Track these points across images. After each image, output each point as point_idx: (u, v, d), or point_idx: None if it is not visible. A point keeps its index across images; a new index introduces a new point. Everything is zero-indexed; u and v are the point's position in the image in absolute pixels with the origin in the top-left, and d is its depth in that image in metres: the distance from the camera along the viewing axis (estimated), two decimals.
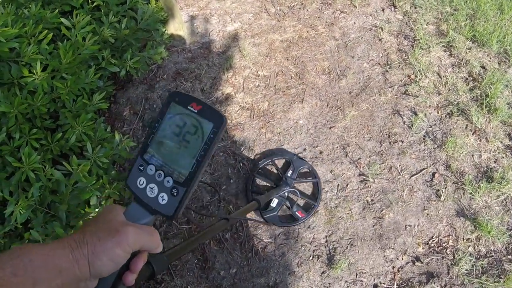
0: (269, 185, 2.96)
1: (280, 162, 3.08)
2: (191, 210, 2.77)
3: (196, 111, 0.83)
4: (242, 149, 3.09)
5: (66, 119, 2.36)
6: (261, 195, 2.49)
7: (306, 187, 3.00)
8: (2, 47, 2.05)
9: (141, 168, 0.86)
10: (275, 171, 3.03)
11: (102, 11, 2.82)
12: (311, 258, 2.69)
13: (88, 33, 2.48)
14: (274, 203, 2.80)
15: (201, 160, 0.81)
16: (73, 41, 2.41)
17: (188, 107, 0.83)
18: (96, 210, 2.20)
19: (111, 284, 0.81)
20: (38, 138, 2.20)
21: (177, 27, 3.58)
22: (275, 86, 3.44)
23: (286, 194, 2.85)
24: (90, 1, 2.74)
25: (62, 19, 2.45)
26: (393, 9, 4.08)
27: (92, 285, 0.77)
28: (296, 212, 2.80)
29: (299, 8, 4.05)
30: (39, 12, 2.41)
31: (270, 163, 3.02)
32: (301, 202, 2.91)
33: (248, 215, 2.77)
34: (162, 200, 0.83)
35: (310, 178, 3.00)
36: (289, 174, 2.91)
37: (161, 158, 0.85)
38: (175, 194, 0.82)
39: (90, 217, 2.18)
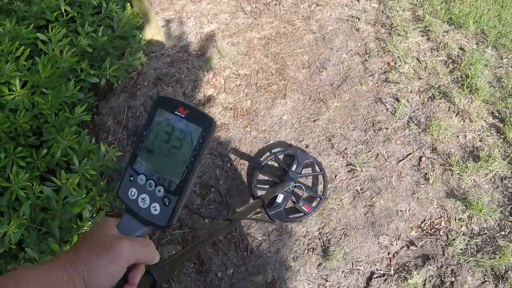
0: (273, 180, 2.94)
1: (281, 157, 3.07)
2: (193, 213, 2.76)
3: (183, 116, 0.79)
4: (228, 150, 3.09)
5: (50, 135, 2.34)
6: (265, 193, 2.45)
7: (311, 180, 3.01)
8: None
9: (132, 178, 0.83)
10: (277, 166, 3.00)
11: (78, 22, 2.80)
12: (306, 251, 2.70)
13: (65, 46, 2.46)
14: (280, 199, 2.78)
15: (191, 167, 0.78)
16: (50, 55, 2.39)
17: (175, 112, 0.80)
18: (89, 223, 2.19)
19: None
20: (23, 156, 2.18)
21: (154, 32, 3.57)
22: (256, 84, 3.45)
23: (291, 189, 2.82)
24: (64, 14, 2.72)
25: (38, 34, 2.44)
26: None
27: None
28: (303, 207, 2.77)
29: (275, 4, 4.06)
30: (14, 28, 2.39)
31: (273, 158, 3.00)
32: (306, 196, 2.88)
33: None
34: (155, 210, 0.80)
35: (315, 171, 2.99)
36: (293, 169, 2.89)
37: (151, 167, 0.82)
38: (167, 203, 0.79)
39: (84, 230, 2.17)
